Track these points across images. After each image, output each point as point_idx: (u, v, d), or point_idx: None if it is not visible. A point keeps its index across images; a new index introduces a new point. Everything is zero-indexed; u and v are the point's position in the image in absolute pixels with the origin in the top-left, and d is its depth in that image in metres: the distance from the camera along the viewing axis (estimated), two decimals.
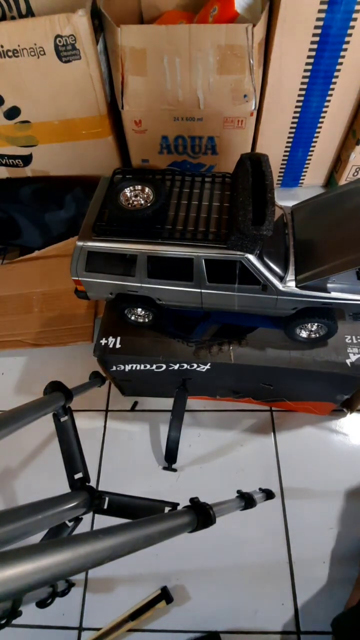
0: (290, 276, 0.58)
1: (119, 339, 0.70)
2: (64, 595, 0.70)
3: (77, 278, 0.63)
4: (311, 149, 1.11)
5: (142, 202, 0.58)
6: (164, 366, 0.71)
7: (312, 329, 0.65)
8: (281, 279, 0.58)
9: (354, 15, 0.81)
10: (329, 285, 0.58)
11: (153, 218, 0.56)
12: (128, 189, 0.58)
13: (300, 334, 0.66)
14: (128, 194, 0.58)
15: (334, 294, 0.58)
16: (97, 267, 0.61)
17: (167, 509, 0.57)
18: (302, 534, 0.76)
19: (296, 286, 0.58)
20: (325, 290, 0.58)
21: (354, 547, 0.74)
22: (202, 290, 0.61)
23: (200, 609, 0.71)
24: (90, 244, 0.58)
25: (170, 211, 0.58)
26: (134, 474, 0.83)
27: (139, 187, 0.58)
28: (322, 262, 0.56)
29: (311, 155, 1.12)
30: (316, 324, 0.63)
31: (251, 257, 0.54)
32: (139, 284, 0.62)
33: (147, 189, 0.58)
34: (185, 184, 0.62)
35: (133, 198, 0.58)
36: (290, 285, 0.58)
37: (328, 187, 1.24)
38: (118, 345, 0.70)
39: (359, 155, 1.07)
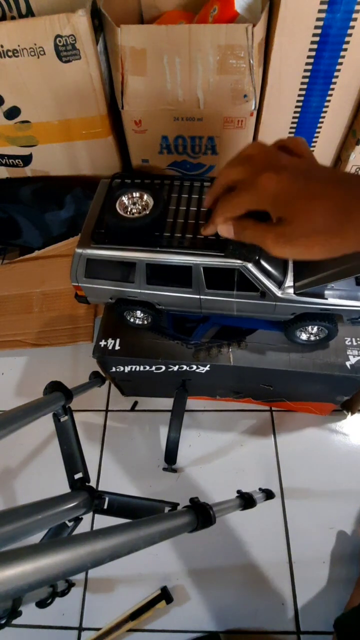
0: (289, 283, 0.58)
1: (118, 340, 0.71)
2: (64, 595, 0.70)
3: (77, 284, 0.63)
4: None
5: (140, 209, 0.57)
6: (164, 368, 0.71)
7: (312, 332, 0.65)
8: (279, 285, 0.57)
9: (354, 15, 0.81)
10: (327, 291, 0.58)
11: (151, 226, 0.56)
12: (126, 196, 0.58)
13: (300, 337, 0.66)
14: (126, 202, 0.58)
15: (332, 300, 0.58)
16: (97, 273, 0.61)
17: (167, 509, 0.57)
18: (302, 534, 0.76)
19: (294, 293, 0.57)
20: (324, 296, 0.58)
21: (354, 547, 0.74)
22: (201, 297, 0.61)
23: (200, 609, 0.71)
24: (89, 251, 0.58)
25: (169, 218, 0.58)
26: (134, 474, 0.83)
27: (137, 194, 0.58)
28: (321, 269, 0.56)
29: None
30: (316, 327, 0.63)
31: (249, 265, 0.54)
32: (139, 290, 0.62)
33: (145, 196, 0.58)
34: (183, 190, 0.62)
35: (131, 206, 0.58)
36: (289, 292, 0.58)
37: None
38: (117, 347, 0.70)
39: (359, 155, 1.07)
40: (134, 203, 0.58)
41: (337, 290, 0.58)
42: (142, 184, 0.60)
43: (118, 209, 0.57)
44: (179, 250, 0.55)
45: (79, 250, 0.58)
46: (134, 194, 0.58)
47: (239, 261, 0.54)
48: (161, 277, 0.60)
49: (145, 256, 0.56)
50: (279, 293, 0.57)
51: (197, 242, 0.56)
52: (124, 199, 0.58)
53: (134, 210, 0.58)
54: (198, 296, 0.61)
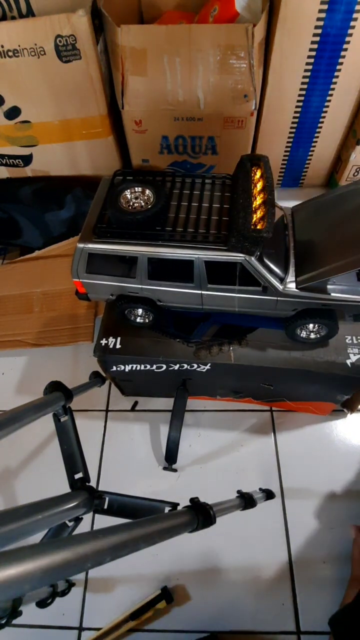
0: (291, 277, 0.58)
1: (119, 339, 0.71)
2: (64, 595, 0.70)
3: (77, 280, 0.63)
4: (311, 149, 1.11)
5: (143, 204, 0.58)
6: (164, 366, 0.71)
7: (313, 330, 0.65)
8: (281, 280, 0.58)
9: (354, 16, 0.81)
10: (329, 286, 0.58)
11: (153, 220, 0.56)
12: (128, 190, 0.58)
13: (301, 335, 0.66)
14: (128, 196, 0.58)
15: (334, 295, 0.58)
16: (98, 268, 0.61)
17: (167, 509, 0.57)
18: (302, 534, 0.76)
19: (296, 287, 0.58)
20: (326, 291, 0.58)
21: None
22: (203, 292, 0.61)
23: (200, 609, 0.71)
24: (91, 245, 0.58)
25: (171, 213, 0.59)
26: (134, 474, 0.83)
27: (139, 189, 0.58)
28: (322, 263, 0.56)
29: (311, 155, 1.12)
30: (317, 325, 0.64)
31: (251, 259, 0.54)
32: (140, 286, 0.62)
33: (147, 191, 0.58)
34: (185, 186, 0.62)
35: (133, 200, 0.58)
36: (291, 286, 0.58)
37: (328, 187, 1.24)
38: (118, 346, 0.70)
39: (359, 155, 1.07)
40: (136, 197, 0.58)
41: (339, 285, 0.58)
42: (144, 180, 0.60)
43: (120, 203, 0.57)
44: (180, 244, 0.55)
45: (81, 245, 0.58)
46: (136, 188, 0.58)
47: (241, 255, 0.54)
48: (162, 273, 0.60)
49: (147, 250, 0.56)
50: (280, 287, 0.57)
51: (198, 236, 0.56)
52: (127, 193, 0.58)
53: (136, 205, 0.58)
54: (199, 291, 0.61)
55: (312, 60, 0.89)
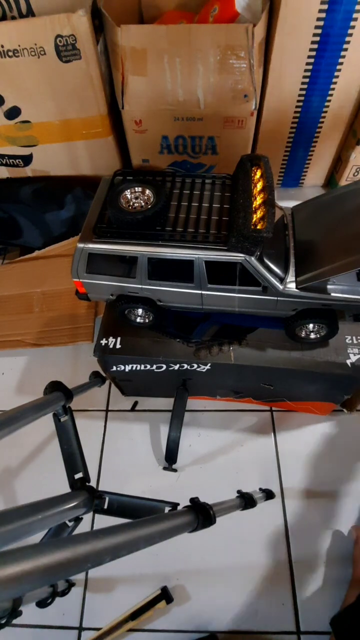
0: (291, 277, 0.58)
1: (119, 339, 0.71)
2: (64, 595, 0.70)
3: (78, 280, 0.63)
4: (311, 149, 1.11)
5: (143, 204, 0.58)
6: (164, 366, 0.71)
7: (313, 329, 0.65)
8: (281, 280, 0.58)
9: (355, 15, 0.81)
10: (329, 286, 0.58)
11: (153, 220, 0.56)
12: (128, 190, 0.58)
13: (301, 334, 0.66)
14: (128, 196, 0.58)
15: (334, 295, 0.58)
16: (98, 268, 0.61)
17: (167, 509, 0.57)
18: (302, 534, 0.76)
19: (296, 287, 0.58)
20: (326, 291, 0.58)
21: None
22: (203, 292, 0.61)
23: (200, 609, 0.71)
24: (91, 245, 0.58)
25: (171, 213, 0.59)
26: (134, 474, 0.83)
27: (139, 189, 0.58)
28: (322, 263, 0.56)
29: (311, 155, 1.12)
30: (317, 325, 0.64)
31: (251, 259, 0.54)
32: (140, 286, 0.62)
33: (147, 191, 0.58)
34: (185, 186, 0.63)
35: (133, 200, 0.58)
36: (291, 286, 0.58)
37: (328, 187, 1.24)
38: (118, 346, 0.70)
39: (359, 155, 1.07)
40: (136, 197, 0.58)
41: (339, 285, 0.58)
42: (144, 180, 0.60)
43: (120, 203, 0.57)
44: (180, 244, 0.55)
45: (81, 245, 0.58)
46: (136, 188, 0.58)
47: (241, 255, 0.54)
48: (162, 272, 0.60)
49: (147, 250, 0.56)
50: (280, 287, 0.57)
51: (198, 236, 0.56)
52: (127, 193, 0.58)
53: (136, 205, 0.58)
54: (199, 291, 0.61)
55: (312, 60, 0.89)
